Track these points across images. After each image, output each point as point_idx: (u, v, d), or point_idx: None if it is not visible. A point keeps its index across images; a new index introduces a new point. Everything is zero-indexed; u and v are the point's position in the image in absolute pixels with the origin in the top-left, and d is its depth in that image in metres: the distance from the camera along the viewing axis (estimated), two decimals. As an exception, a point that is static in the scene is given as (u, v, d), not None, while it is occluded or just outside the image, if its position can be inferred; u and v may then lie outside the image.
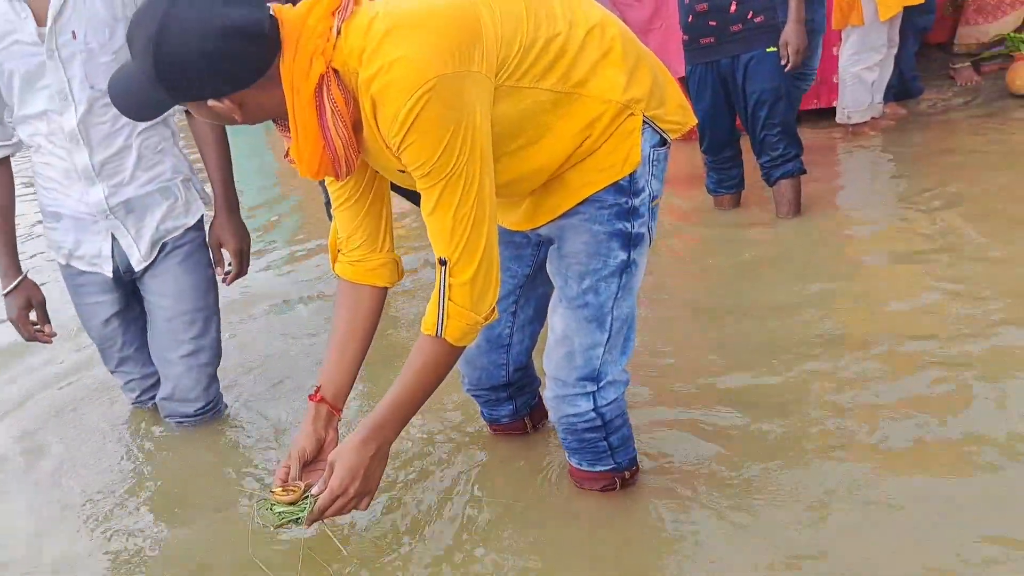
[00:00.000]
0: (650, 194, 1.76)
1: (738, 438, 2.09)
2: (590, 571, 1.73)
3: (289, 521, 1.75)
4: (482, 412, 2.25)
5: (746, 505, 1.84)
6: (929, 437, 1.98)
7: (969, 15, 5.17)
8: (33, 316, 2.38)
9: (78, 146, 2.20)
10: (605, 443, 1.90)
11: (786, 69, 3.36)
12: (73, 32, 2.12)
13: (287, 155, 1.62)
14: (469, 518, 1.95)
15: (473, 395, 2.20)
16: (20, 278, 2.34)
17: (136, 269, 2.35)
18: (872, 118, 4.82)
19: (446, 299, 1.61)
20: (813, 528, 1.75)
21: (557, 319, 1.84)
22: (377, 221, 1.84)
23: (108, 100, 1.93)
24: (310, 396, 1.87)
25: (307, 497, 1.76)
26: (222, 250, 2.45)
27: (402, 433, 1.77)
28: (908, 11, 4.61)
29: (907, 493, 1.80)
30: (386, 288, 1.90)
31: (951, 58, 5.41)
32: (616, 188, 1.73)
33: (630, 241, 1.76)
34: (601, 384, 1.84)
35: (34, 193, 2.37)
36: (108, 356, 2.55)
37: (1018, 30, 5.00)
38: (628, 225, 1.75)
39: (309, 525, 1.75)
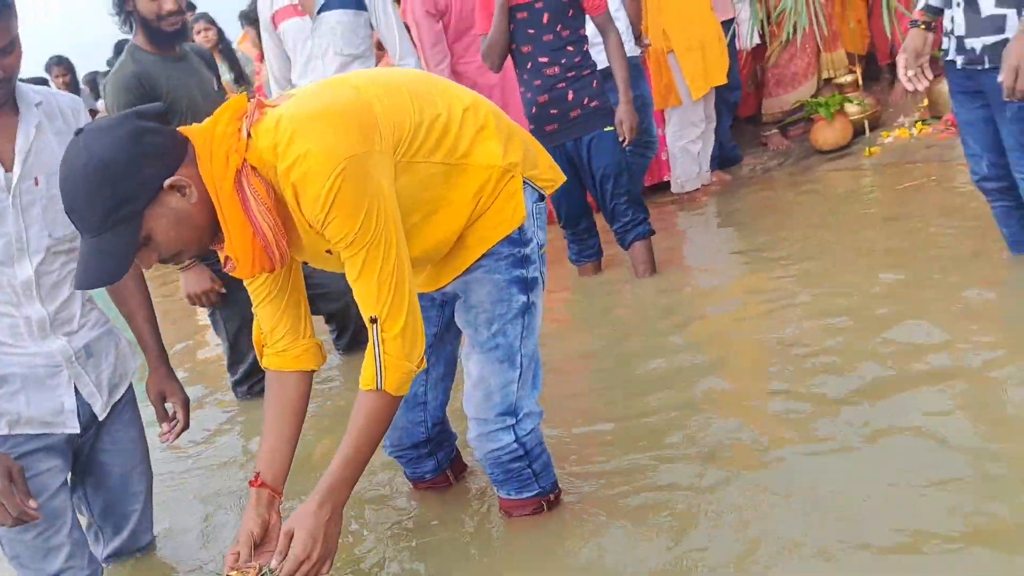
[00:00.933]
0: (538, 243, 2.05)
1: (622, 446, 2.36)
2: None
3: None
4: (406, 473, 2.39)
5: (643, 509, 2.10)
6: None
7: (770, 88, 5.82)
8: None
9: (31, 298, 2.04)
10: (529, 470, 2.10)
11: (624, 144, 3.78)
12: (36, 179, 2.01)
13: (225, 265, 1.78)
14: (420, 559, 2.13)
15: (396, 456, 2.35)
16: None
17: (100, 418, 2.20)
18: (702, 185, 5.37)
19: (382, 353, 1.79)
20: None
21: (472, 365, 2.06)
22: (297, 311, 1.99)
23: (59, 248, 2.05)
24: (251, 482, 1.95)
25: (264, 574, 1.84)
26: (167, 403, 2.30)
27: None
28: (718, 89, 5.24)
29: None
30: (312, 372, 2.04)
31: (761, 127, 6.04)
32: (509, 241, 1.99)
33: (527, 285, 2.02)
34: (519, 417, 2.06)
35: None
36: (52, 551, 2.13)
37: (814, 96, 5.65)
38: (524, 271, 2.02)
39: None
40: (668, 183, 5.45)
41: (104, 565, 2.33)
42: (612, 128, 3.73)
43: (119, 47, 4.48)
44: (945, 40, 2.78)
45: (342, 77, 1.97)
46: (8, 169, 1.98)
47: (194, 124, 1.79)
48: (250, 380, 3.45)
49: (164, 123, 1.71)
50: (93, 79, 8.00)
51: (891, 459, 2.06)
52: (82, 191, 1.62)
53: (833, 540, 1.82)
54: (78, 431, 2.14)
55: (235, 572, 1.87)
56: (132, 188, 1.63)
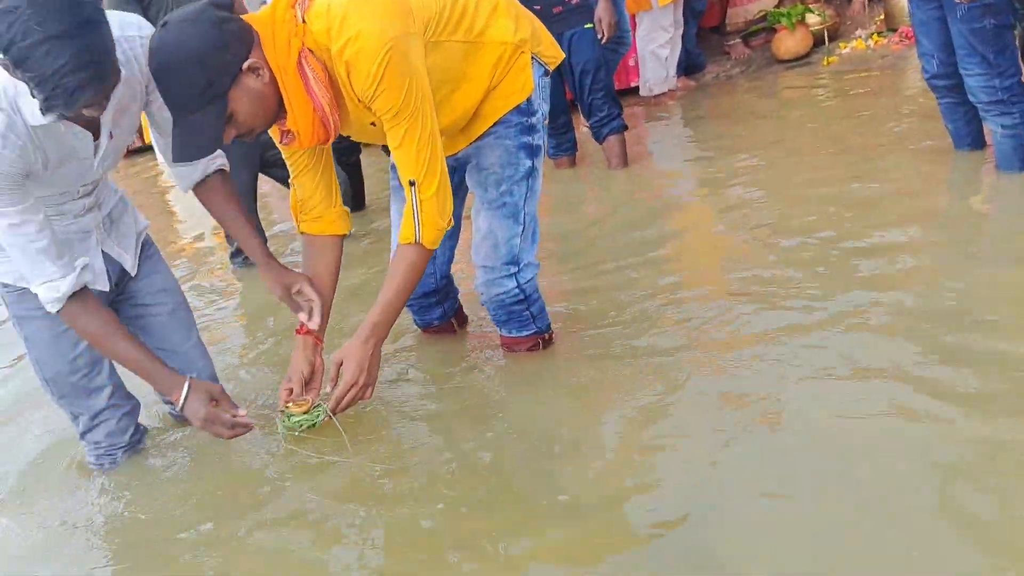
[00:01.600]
0: (542, 114, 2.28)
1: (600, 307, 2.65)
2: (536, 402, 2.23)
3: (306, 426, 2.13)
4: (415, 320, 2.69)
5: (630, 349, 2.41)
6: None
7: (735, -1, 6.05)
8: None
9: (84, 198, 2.16)
10: (528, 312, 2.40)
11: (602, 41, 3.99)
12: (111, 132, 2.05)
13: (282, 138, 2.00)
14: (441, 387, 2.44)
15: (407, 304, 2.57)
16: (188, 379, 2.12)
17: (132, 273, 2.32)
18: (669, 90, 5.61)
19: (419, 212, 2.03)
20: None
21: (481, 220, 2.31)
22: (328, 182, 2.25)
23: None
24: (296, 331, 2.24)
25: (318, 405, 2.15)
26: (295, 291, 2.27)
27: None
28: (686, -3, 5.45)
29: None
30: (343, 236, 2.31)
31: (725, 37, 6.28)
32: (518, 110, 2.23)
33: (533, 151, 2.27)
34: (520, 266, 2.33)
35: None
36: (94, 391, 2.30)
37: (777, 6, 5.88)
38: (530, 138, 2.26)
39: (331, 416, 2.09)
40: (636, 88, 5.68)
41: (172, 413, 2.52)
42: (591, 25, 3.94)
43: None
44: (905, -56, 3.03)
45: None
46: (96, 137, 2.01)
47: (249, 13, 1.98)
48: (243, 254, 3.68)
49: (232, 11, 1.88)
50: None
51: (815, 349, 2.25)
52: (176, 76, 1.79)
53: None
54: (107, 289, 2.26)
55: (292, 404, 2.17)
56: (218, 71, 1.80)
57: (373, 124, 2.03)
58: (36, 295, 2.05)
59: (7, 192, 1.88)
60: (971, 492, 1.60)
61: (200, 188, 2.28)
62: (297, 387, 2.20)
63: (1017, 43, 3.02)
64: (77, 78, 1.66)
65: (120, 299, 2.35)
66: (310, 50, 1.90)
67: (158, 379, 2.13)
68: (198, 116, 1.83)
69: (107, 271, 2.27)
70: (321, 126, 1.96)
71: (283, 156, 2.23)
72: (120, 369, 2.28)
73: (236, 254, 3.77)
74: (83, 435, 2.35)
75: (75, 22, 1.65)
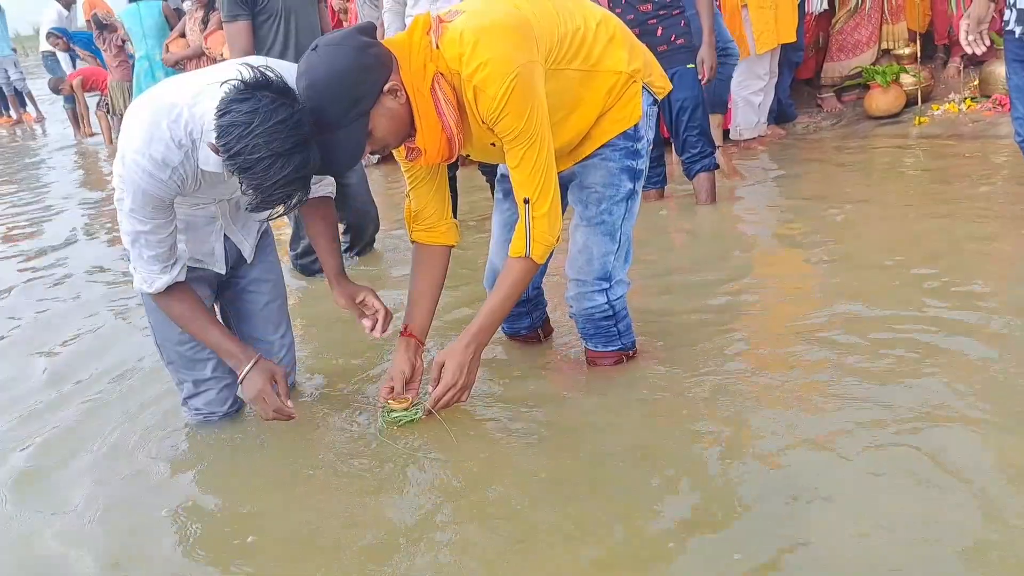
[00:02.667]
0: (647, 140, 2.44)
1: (688, 331, 2.79)
2: (620, 403, 2.38)
3: (406, 422, 2.32)
4: (503, 328, 2.83)
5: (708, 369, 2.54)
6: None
7: (833, 53, 6.14)
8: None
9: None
10: (615, 328, 2.53)
11: (703, 82, 4.16)
12: None
13: (408, 155, 2.17)
14: (531, 385, 2.59)
15: None
16: (257, 355, 2.35)
17: (248, 260, 2.51)
18: (759, 135, 5.75)
19: (532, 228, 2.20)
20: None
21: (579, 235, 2.46)
22: (442, 195, 2.43)
23: None
24: (401, 333, 2.44)
25: (416, 404, 2.34)
26: (361, 301, 2.46)
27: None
28: (783, 48, 5.59)
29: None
30: (451, 247, 2.48)
31: (818, 90, 6.39)
32: (625, 136, 2.38)
33: (635, 175, 2.42)
34: (612, 283, 2.47)
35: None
36: (199, 362, 2.48)
37: (873, 64, 5.99)
38: (634, 163, 2.41)
39: (428, 414, 2.28)
40: (728, 131, 5.82)
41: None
42: (693, 65, 4.10)
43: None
44: (1007, 12, 3.13)
45: None
46: None
47: (388, 38, 2.16)
48: (308, 256, 3.85)
49: (374, 37, 2.07)
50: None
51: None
52: (326, 96, 1.94)
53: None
54: (223, 272, 2.47)
55: (392, 401, 2.36)
56: (363, 91, 1.97)
57: (493, 144, 2.20)
58: None
59: (151, 209, 2.11)
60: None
61: (304, 206, 2.42)
62: (398, 385, 2.39)
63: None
64: (288, 191, 1.91)
65: (227, 280, 2.54)
66: (442, 74, 2.06)
67: (231, 353, 2.34)
68: (342, 132, 1.98)
69: (226, 254, 2.46)
70: (447, 145, 2.12)
71: (402, 169, 2.41)
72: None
73: (300, 256, 3.91)
74: (185, 400, 2.55)
75: (297, 142, 1.87)
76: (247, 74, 1.88)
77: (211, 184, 2.19)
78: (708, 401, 2.35)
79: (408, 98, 2.05)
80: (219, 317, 2.61)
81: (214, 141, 1.92)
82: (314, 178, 2.23)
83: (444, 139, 2.11)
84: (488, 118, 2.09)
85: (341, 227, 4.20)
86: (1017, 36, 3.08)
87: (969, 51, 3.24)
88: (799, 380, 2.40)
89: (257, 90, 1.87)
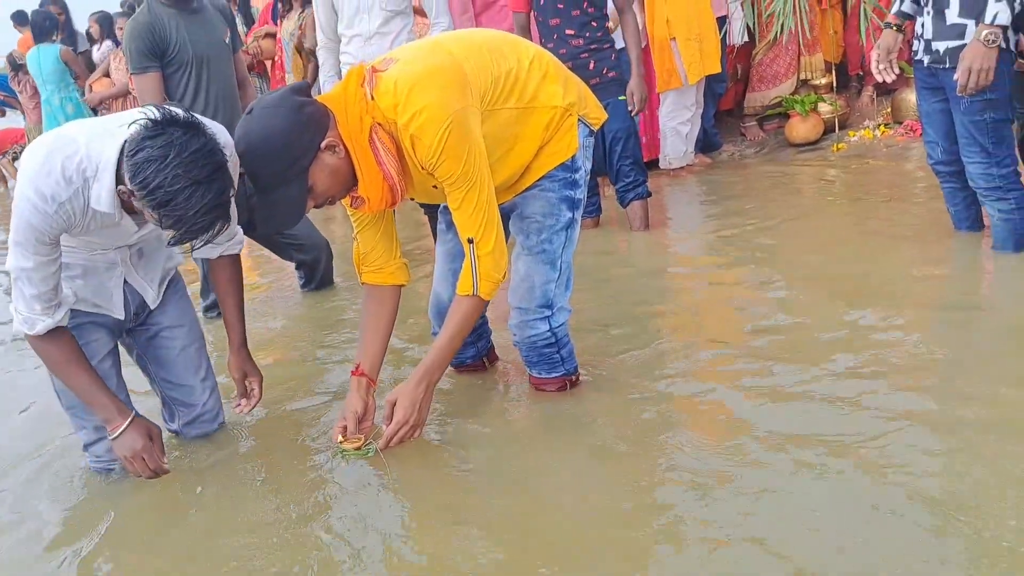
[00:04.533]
0: (585, 171, 2.51)
1: (621, 350, 2.89)
2: (567, 431, 2.44)
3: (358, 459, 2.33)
4: None
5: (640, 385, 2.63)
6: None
7: (754, 84, 6.39)
8: None
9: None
10: (558, 355, 2.57)
11: (633, 113, 4.30)
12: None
13: (352, 203, 2.24)
14: (471, 416, 2.61)
15: None
16: (133, 413, 2.33)
17: (152, 307, 2.50)
18: (688, 164, 5.94)
19: (477, 267, 2.26)
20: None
21: (520, 264, 2.50)
22: (389, 236, 2.47)
23: None
24: (352, 372, 2.45)
25: (369, 443, 2.36)
26: (247, 380, 2.59)
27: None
28: (707, 79, 5.80)
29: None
30: (401, 286, 2.51)
31: (741, 119, 6.63)
32: (563, 167, 2.44)
33: (573, 204, 2.48)
34: (554, 311, 2.50)
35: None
36: None
37: (792, 94, 6.24)
38: (572, 193, 2.47)
39: (383, 449, 2.30)
40: (656, 161, 6.00)
41: (182, 433, 2.65)
42: (624, 97, 4.24)
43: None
44: (915, 42, 3.32)
45: (434, 41, 2.36)
46: (140, 226, 2.22)
47: (324, 94, 2.22)
48: (217, 308, 3.84)
49: (309, 95, 2.13)
50: (104, 17, 8.34)
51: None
52: (263, 158, 2.01)
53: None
54: (122, 318, 2.44)
55: (345, 441, 2.37)
56: (300, 150, 2.04)
57: (435, 187, 2.26)
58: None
59: (35, 244, 2.07)
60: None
61: (213, 263, 2.53)
62: (351, 424, 2.40)
63: (1016, 136, 3.32)
64: (211, 217, 1.94)
65: (138, 328, 2.54)
66: (379, 123, 2.12)
67: (103, 406, 2.29)
68: (282, 191, 2.05)
69: (127, 300, 2.44)
70: (390, 192, 2.17)
71: (348, 213, 2.45)
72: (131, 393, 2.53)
73: (210, 308, 3.89)
74: (86, 447, 2.51)
75: (214, 168, 1.92)
76: (154, 113, 1.93)
77: (104, 226, 2.16)
78: (651, 425, 2.40)
79: (347, 151, 2.11)
80: (136, 360, 2.63)
81: (127, 182, 1.93)
82: (222, 236, 2.32)
83: (386, 187, 2.17)
84: (427, 164, 2.15)
85: (293, 265, 4.26)
86: (925, 65, 3.27)
87: (880, 79, 3.42)
88: (736, 399, 2.49)
89: (167, 126, 1.91)
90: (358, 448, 2.35)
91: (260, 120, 2.04)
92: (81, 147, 2.03)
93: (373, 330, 2.50)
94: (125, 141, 1.97)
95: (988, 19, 2.95)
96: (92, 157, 2.02)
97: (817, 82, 6.24)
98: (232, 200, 2.02)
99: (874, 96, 6.39)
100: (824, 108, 6.15)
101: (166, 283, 2.56)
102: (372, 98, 2.13)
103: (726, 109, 6.77)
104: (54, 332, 2.23)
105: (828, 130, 6.17)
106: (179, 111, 1.96)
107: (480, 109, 2.21)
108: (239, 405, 2.61)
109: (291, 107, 2.05)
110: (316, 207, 2.18)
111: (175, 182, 1.87)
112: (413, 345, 3.24)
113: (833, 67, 6.31)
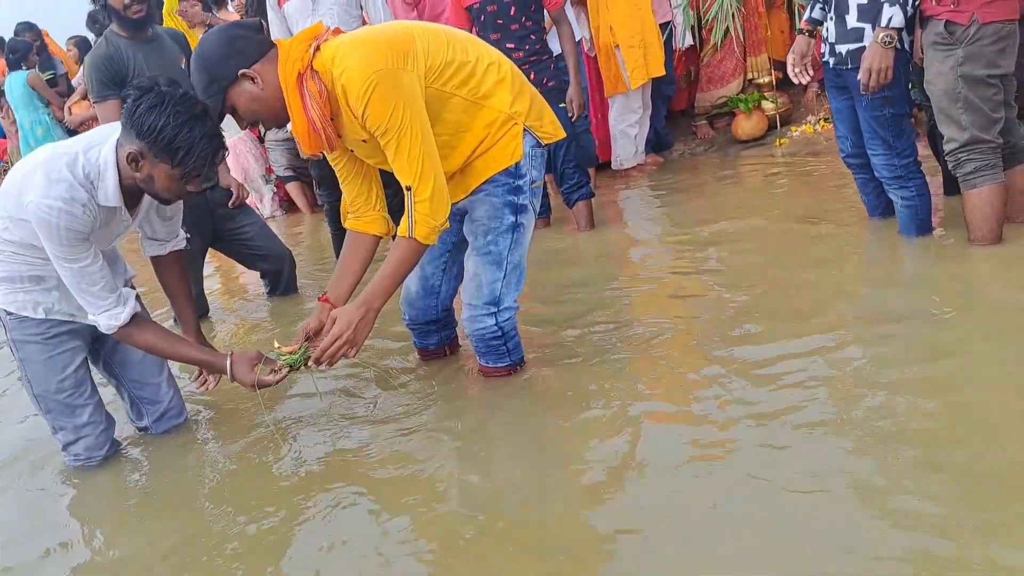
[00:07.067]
0: (530, 179, 2.67)
1: (563, 345, 3.14)
2: (505, 411, 2.68)
3: (290, 365, 2.61)
4: (415, 342, 3.12)
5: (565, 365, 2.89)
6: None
7: (703, 85, 6.63)
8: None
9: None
10: (504, 347, 2.79)
11: (573, 119, 4.55)
12: (140, 216, 2.62)
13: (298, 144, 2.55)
14: (422, 392, 2.89)
15: (410, 328, 3.08)
16: (230, 355, 2.68)
17: None
18: (638, 164, 6.22)
19: (414, 212, 2.44)
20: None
21: (470, 264, 2.73)
22: (368, 192, 2.74)
23: None
24: (319, 298, 2.73)
25: (305, 349, 2.62)
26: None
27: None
28: (656, 82, 6.07)
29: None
30: (379, 237, 2.76)
31: (692, 119, 6.90)
32: (506, 172, 2.62)
33: (517, 209, 2.66)
34: (500, 308, 2.71)
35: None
36: (77, 408, 2.70)
37: (740, 93, 6.51)
38: (515, 198, 2.65)
39: (314, 363, 2.55)
40: (609, 163, 6.27)
41: (151, 430, 2.91)
42: (564, 105, 4.50)
43: (92, 16, 5.17)
44: (823, 45, 3.59)
45: (398, 21, 2.63)
46: (133, 216, 2.59)
47: (278, 37, 2.52)
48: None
49: (257, 32, 2.46)
50: (82, 41, 8.64)
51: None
52: (194, 71, 2.41)
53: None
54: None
55: (282, 347, 2.65)
56: (219, 73, 2.40)
57: (364, 141, 2.48)
58: (35, 322, 2.59)
59: (80, 243, 2.40)
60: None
61: (158, 259, 2.82)
62: (301, 335, 2.67)
63: (925, 123, 3.58)
64: (213, 145, 2.30)
65: (102, 335, 2.72)
66: (316, 72, 2.38)
67: (210, 363, 2.70)
68: (207, 103, 2.38)
69: None
70: (316, 136, 2.43)
71: (332, 163, 2.74)
72: (100, 391, 2.81)
73: None
74: (65, 447, 2.75)
75: (201, 108, 2.33)
76: (140, 84, 2.34)
77: (103, 225, 2.47)
78: (591, 407, 2.61)
79: (276, 87, 2.41)
80: (101, 367, 2.87)
81: (135, 142, 2.29)
82: (166, 233, 2.72)
83: (312, 131, 2.42)
84: (357, 113, 2.39)
85: (257, 274, 4.52)
86: (832, 66, 3.54)
87: (796, 81, 3.69)
88: (675, 382, 2.73)
89: (153, 87, 2.32)
90: (292, 352, 2.62)
91: (200, 43, 2.43)
92: (80, 155, 2.40)
93: (346, 268, 2.76)
94: (117, 141, 2.37)
95: (883, 22, 3.19)
96: (92, 162, 2.39)
97: (761, 81, 6.51)
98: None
99: (818, 92, 6.66)
100: (767, 106, 6.42)
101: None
102: (318, 48, 2.40)
103: (680, 110, 7.03)
104: (139, 320, 2.59)
105: (772, 126, 6.44)
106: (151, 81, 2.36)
107: (423, 82, 2.43)
108: (205, 383, 2.88)
109: (223, 37, 2.42)
110: (251, 127, 2.53)
111: (176, 118, 2.26)
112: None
113: (784, 65, 6.52)
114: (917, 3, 3.15)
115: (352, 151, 2.66)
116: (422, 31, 2.52)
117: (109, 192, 2.39)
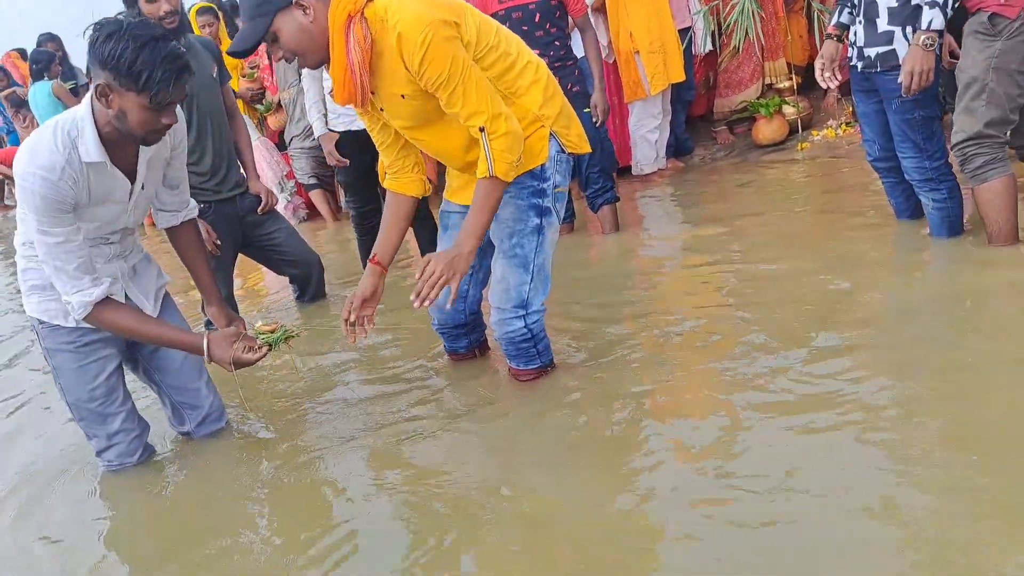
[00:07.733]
0: (554, 183, 2.71)
1: (593, 347, 3.15)
2: (536, 413, 2.70)
3: (269, 344, 2.65)
4: (445, 345, 3.16)
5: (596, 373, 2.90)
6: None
7: (721, 90, 6.64)
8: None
9: (115, 243, 2.64)
10: (534, 349, 2.83)
11: (597, 125, 4.57)
12: (143, 185, 2.57)
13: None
14: (452, 397, 2.92)
15: (440, 332, 3.12)
16: (205, 335, 2.67)
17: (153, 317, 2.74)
18: (659, 169, 6.22)
19: (490, 151, 2.45)
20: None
21: (497, 267, 2.77)
22: (404, 158, 2.79)
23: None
24: (370, 260, 2.78)
25: (284, 329, 2.66)
26: (235, 323, 2.83)
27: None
28: (675, 88, 6.08)
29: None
30: (417, 198, 2.82)
31: (712, 124, 6.91)
32: (531, 174, 2.66)
33: (541, 211, 2.71)
34: (529, 310, 2.74)
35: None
36: (109, 416, 2.73)
37: (759, 98, 6.51)
38: (540, 200, 2.70)
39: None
40: (629, 168, 6.28)
41: (193, 434, 2.94)
42: (588, 110, 4.51)
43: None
44: (850, 49, 3.60)
45: None
46: (132, 181, 2.54)
47: None
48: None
49: None
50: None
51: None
52: None
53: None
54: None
55: (262, 325, 2.69)
56: None
57: (403, 96, 2.46)
58: (67, 330, 2.62)
59: (58, 214, 2.39)
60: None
61: (173, 230, 2.85)
62: (358, 302, 2.72)
63: (944, 130, 3.59)
64: (178, 64, 2.29)
65: (136, 342, 2.78)
66: (366, 18, 2.35)
67: (186, 344, 2.66)
68: (251, 23, 2.38)
69: None
70: (351, 83, 2.40)
71: (372, 137, 2.78)
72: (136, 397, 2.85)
73: (210, 323, 4.12)
74: (99, 453, 2.80)
75: (159, 32, 2.32)
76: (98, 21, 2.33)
77: (101, 195, 2.46)
78: (620, 409, 2.64)
79: (323, 24, 2.38)
80: (141, 374, 2.90)
81: (101, 73, 2.28)
82: (177, 203, 2.74)
83: (348, 76, 2.40)
84: (413, 64, 2.36)
85: (286, 279, 4.55)
86: (860, 70, 3.54)
87: (824, 86, 3.70)
88: (703, 387, 2.73)
89: (111, 20, 2.35)
90: (272, 331, 2.65)
91: None
92: (60, 119, 2.40)
93: (391, 226, 2.82)
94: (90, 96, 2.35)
95: (924, 25, 3.15)
96: (68, 120, 2.39)
97: (781, 85, 6.51)
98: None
99: (839, 96, 6.66)
100: (788, 110, 6.42)
101: (160, 298, 2.82)
102: None
103: (699, 115, 7.04)
104: (111, 303, 2.54)
105: (793, 131, 6.44)
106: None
107: (468, 52, 2.43)
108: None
109: None
110: (287, 60, 2.49)
111: (135, 41, 2.24)
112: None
113: (803, 70, 6.54)
114: (956, 4, 3.14)
115: (382, 112, 2.64)
116: (476, 11, 2.54)
117: (90, 146, 2.37)
